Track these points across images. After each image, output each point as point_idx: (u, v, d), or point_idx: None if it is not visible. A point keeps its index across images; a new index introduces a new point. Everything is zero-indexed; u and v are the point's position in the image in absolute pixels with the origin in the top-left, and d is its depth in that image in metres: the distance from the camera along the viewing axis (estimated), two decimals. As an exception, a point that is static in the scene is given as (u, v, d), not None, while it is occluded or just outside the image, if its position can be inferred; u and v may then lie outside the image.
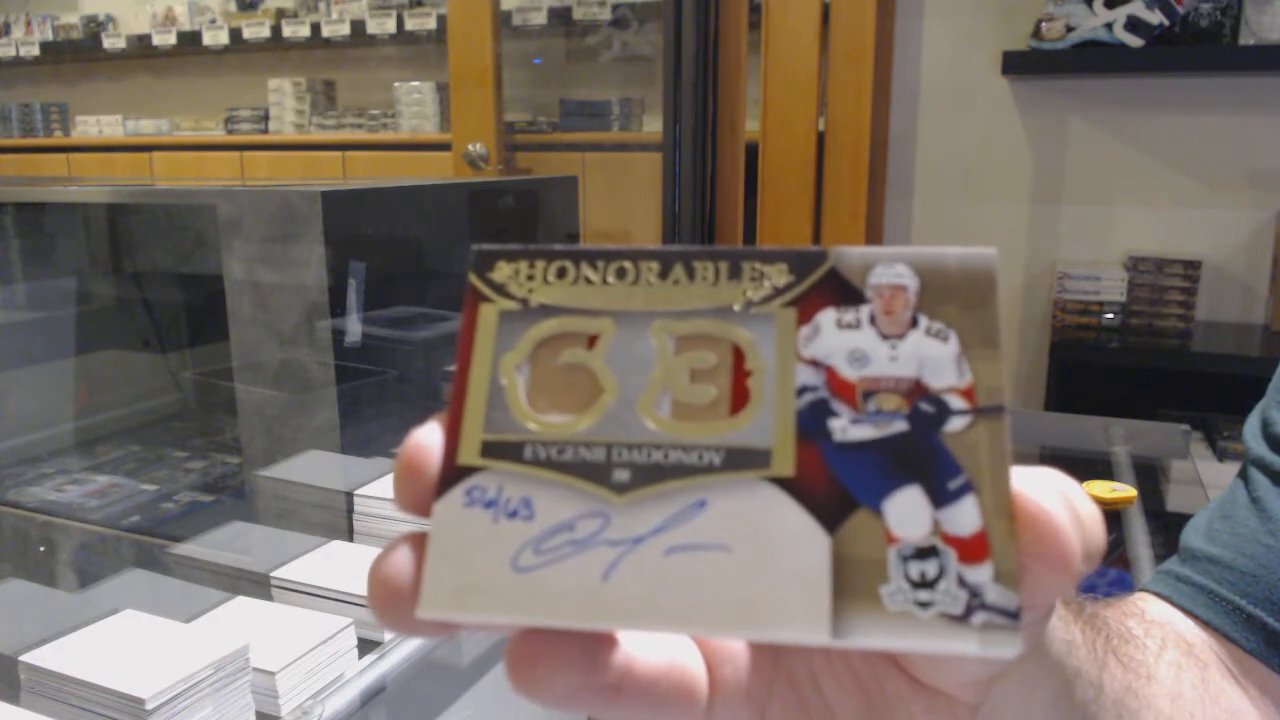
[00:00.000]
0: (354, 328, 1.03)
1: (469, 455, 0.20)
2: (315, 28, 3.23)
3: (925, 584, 0.18)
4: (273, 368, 1.03)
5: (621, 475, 0.20)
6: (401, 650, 0.76)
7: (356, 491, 0.90)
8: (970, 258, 0.20)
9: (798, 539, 0.19)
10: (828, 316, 0.20)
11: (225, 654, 0.63)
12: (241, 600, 0.75)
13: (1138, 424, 1.26)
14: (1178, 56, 1.94)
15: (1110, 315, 2.02)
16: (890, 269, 0.20)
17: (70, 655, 0.63)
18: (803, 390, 0.20)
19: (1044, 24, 1.97)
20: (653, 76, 2.70)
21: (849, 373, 0.20)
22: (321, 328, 1.00)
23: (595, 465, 0.20)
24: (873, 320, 0.20)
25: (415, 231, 1.18)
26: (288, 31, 3.27)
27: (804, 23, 2.06)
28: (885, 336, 0.20)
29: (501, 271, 0.22)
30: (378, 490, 0.90)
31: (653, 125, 2.67)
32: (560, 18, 2.85)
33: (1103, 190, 2.14)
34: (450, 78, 2.42)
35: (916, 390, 0.20)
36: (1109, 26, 1.92)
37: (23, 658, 0.63)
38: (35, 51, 3.75)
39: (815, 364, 0.20)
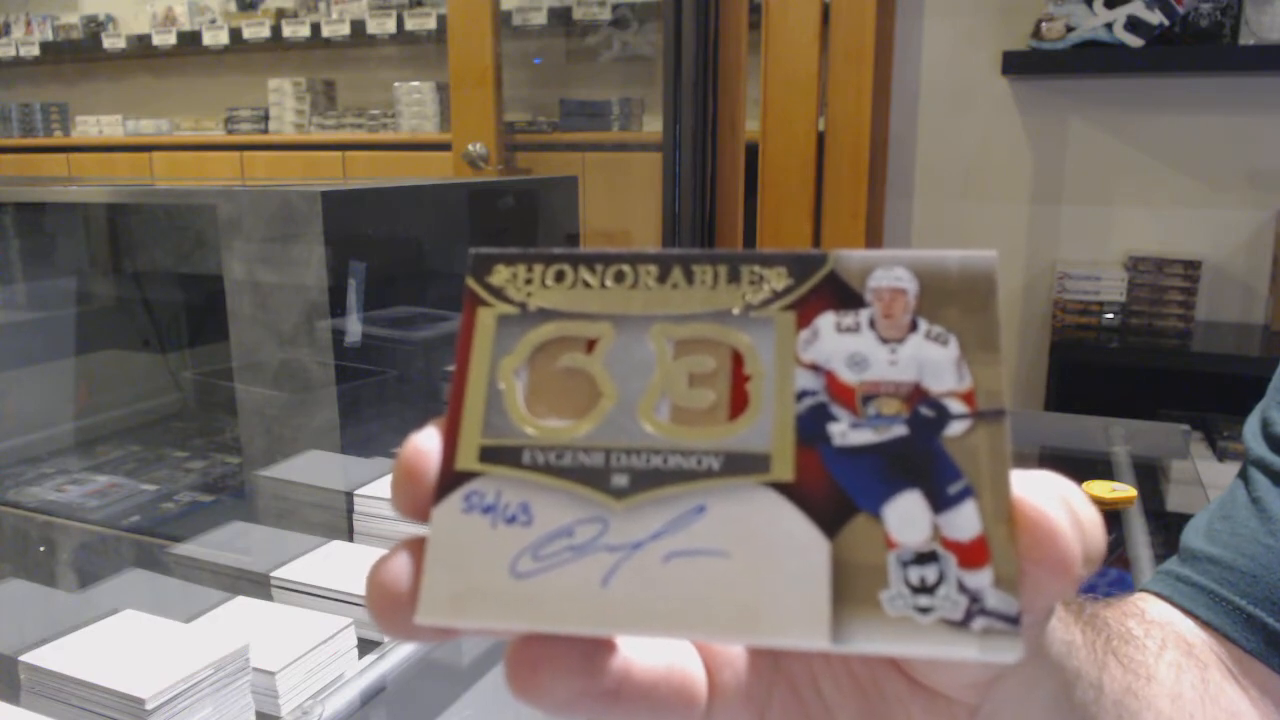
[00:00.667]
0: (354, 328, 1.03)
1: (467, 460, 0.20)
2: (315, 28, 3.23)
3: (925, 589, 0.18)
4: (273, 368, 1.03)
5: (620, 480, 0.20)
6: (401, 650, 0.76)
7: (356, 491, 0.90)
8: (970, 261, 0.20)
9: (797, 544, 0.19)
10: (827, 320, 0.20)
11: (225, 654, 0.63)
12: (241, 600, 0.75)
13: (1138, 424, 1.26)
14: (1178, 56, 1.94)
15: (1110, 315, 2.03)
16: (890, 272, 0.20)
17: (70, 655, 0.63)
18: (802, 394, 0.20)
19: (1044, 24, 1.97)
20: (653, 76, 2.70)
21: (848, 377, 0.20)
22: (321, 328, 1.00)
23: (594, 470, 0.20)
24: (872, 324, 0.20)
25: (415, 231, 1.18)
26: (288, 31, 3.27)
27: (804, 23, 2.06)
28: (885, 340, 0.20)
29: (499, 275, 0.22)
30: (378, 490, 0.90)
31: (653, 125, 2.67)
32: (560, 18, 2.85)
33: (1103, 190, 2.14)
34: (450, 78, 2.42)
35: (916, 394, 0.20)
36: (1109, 26, 1.92)
37: (23, 658, 0.63)
38: (35, 51, 3.75)
39: (815, 368, 0.20)
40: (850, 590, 0.18)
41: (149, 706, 0.58)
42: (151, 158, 3.44)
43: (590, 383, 0.21)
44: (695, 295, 0.21)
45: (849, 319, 0.20)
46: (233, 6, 3.45)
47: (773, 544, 0.19)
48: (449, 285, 1.22)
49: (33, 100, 3.78)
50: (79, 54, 3.71)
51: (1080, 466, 1.20)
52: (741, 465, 0.19)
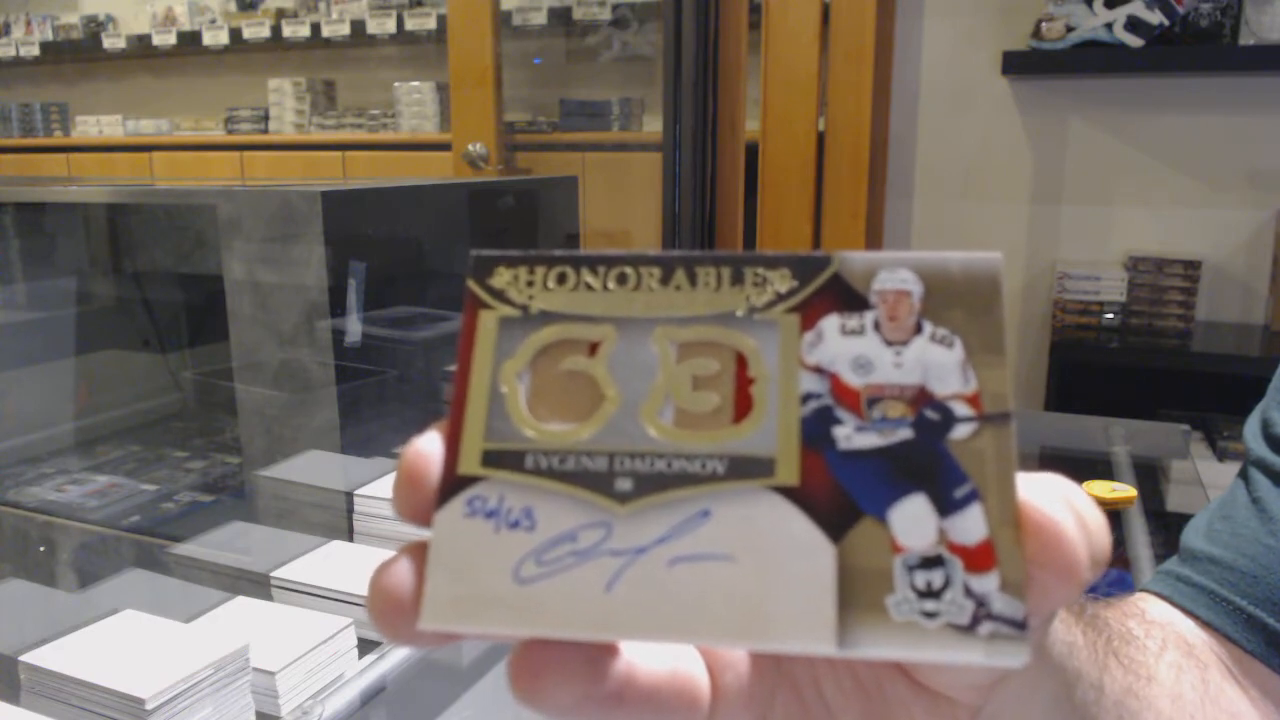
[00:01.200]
0: (354, 328, 1.03)
1: (470, 465, 0.20)
2: (315, 28, 3.23)
3: (931, 594, 0.18)
4: (273, 368, 1.03)
5: (624, 484, 0.20)
6: (401, 650, 0.76)
7: (356, 491, 0.90)
8: (975, 262, 0.20)
9: (802, 548, 0.19)
10: (831, 323, 0.20)
11: (225, 654, 0.63)
12: (241, 600, 0.75)
13: (1138, 424, 1.26)
14: (1178, 56, 1.93)
15: (1110, 315, 2.03)
16: (894, 274, 0.20)
17: (70, 655, 0.63)
18: (807, 398, 0.20)
19: (1044, 24, 1.97)
20: (653, 76, 2.70)
21: (853, 380, 0.20)
22: (321, 328, 1.00)
23: (597, 474, 0.20)
24: (877, 326, 0.20)
25: (415, 231, 1.18)
26: (288, 31, 3.27)
27: (804, 23, 2.06)
28: (889, 343, 0.20)
29: (501, 277, 0.21)
30: (378, 490, 0.90)
31: (653, 125, 2.67)
32: (560, 18, 2.85)
33: (1103, 190, 2.14)
34: (450, 78, 2.42)
35: (921, 397, 0.20)
36: (1109, 26, 1.92)
37: (23, 658, 0.63)
38: (35, 51, 3.75)
39: (819, 371, 0.20)
40: (856, 595, 0.18)
41: (149, 706, 0.58)
42: (151, 158, 3.44)
43: (593, 386, 0.21)
44: (698, 297, 0.21)
45: (853, 321, 0.20)
46: (233, 6, 3.45)
47: (778, 548, 0.19)
48: (449, 285, 1.22)
49: (33, 100, 3.78)
50: (79, 54, 3.71)
51: (1080, 466, 1.20)
52: (746, 469, 0.19)
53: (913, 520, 0.19)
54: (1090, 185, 2.15)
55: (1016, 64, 2.03)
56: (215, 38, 3.36)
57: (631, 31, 2.80)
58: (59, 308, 1.41)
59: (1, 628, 0.67)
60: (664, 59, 1.99)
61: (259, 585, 0.80)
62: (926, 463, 0.19)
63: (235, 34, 3.34)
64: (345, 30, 3.18)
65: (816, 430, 0.20)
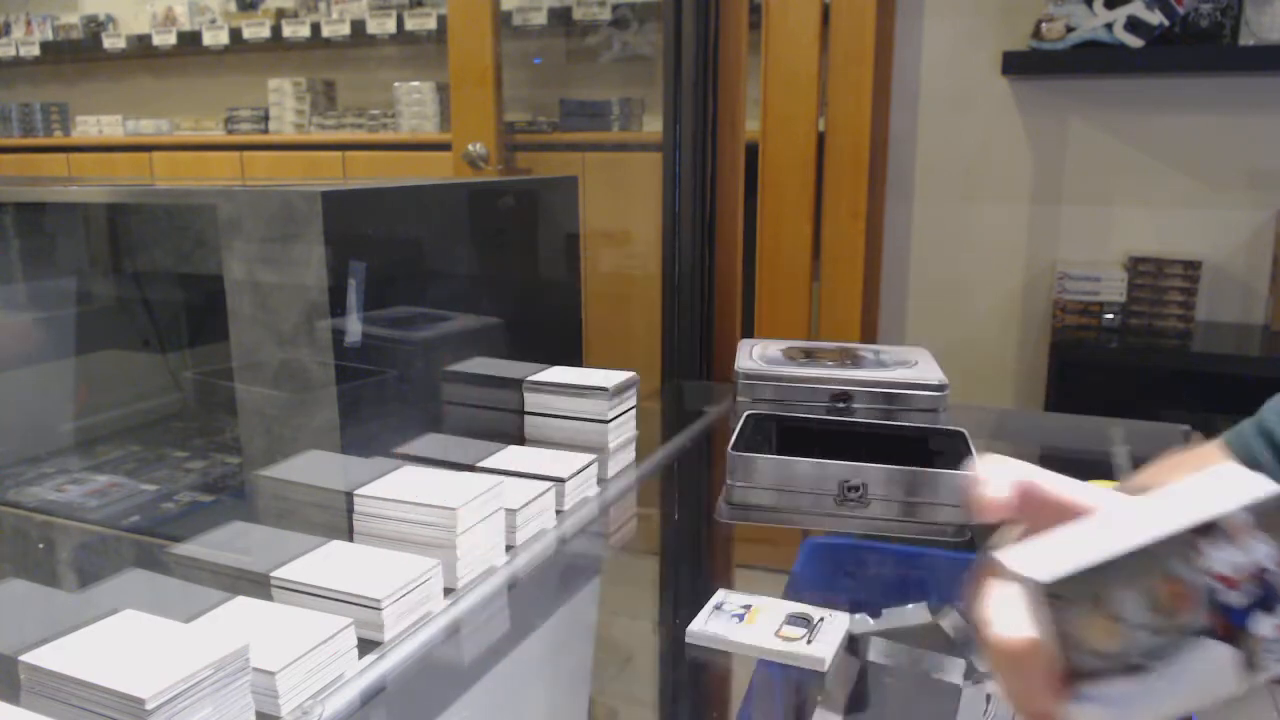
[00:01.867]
0: (354, 328, 1.03)
1: (1065, 682, 0.38)
2: (315, 28, 3.24)
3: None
4: (273, 368, 1.03)
5: (1143, 661, 0.38)
6: (401, 650, 0.76)
7: (356, 491, 0.90)
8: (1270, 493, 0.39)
9: (1221, 660, 0.38)
10: (1213, 546, 0.38)
11: (225, 654, 0.63)
12: (241, 600, 0.75)
13: (1138, 424, 1.26)
14: (1178, 56, 1.94)
15: (1110, 315, 2.03)
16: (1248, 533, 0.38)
17: (70, 655, 0.63)
18: (1210, 590, 0.38)
19: (1044, 24, 1.97)
20: (653, 76, 2.70)
21: (1228, 573, 0.38)
22: (321, 328, 0.99)
23: (1130, 662, 0.38)
24: (1239, 543, 0.38)
25: (415, 231, 1.18)
26: (288, 31, 3.27)
27: (804, 23, 2.06)
28: (1244, 551, 0.38)
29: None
30: (378, 490, 0.90)
31: (653, 125, 2.68)
32: (560, 18, 2.85)
33: (1103, 190, 2.14)
34: (450, 78, 2.42)
35: (1261, 572, 0.38)
36: (1109, 27, 1.92)
37: (23, 658, 0.63)
38: (35, 51, 3.75)
39: (1219, 577, 0.38)
40: (1251, 666, 0.38)
41: (149, 706, 0.58)
42: (151, 158, 3.44)
43: (1109, 618, 0.38)
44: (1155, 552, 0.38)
45: (1227, 540, 0.38)
46: (233, 6, 3.45)
47: (1211, 662, 0.38)
48: (449, 285, 1.22)
49: (33, 100, 3.78)
50: (79, 54, 3.72)
51: (1080, 466, 1.20)
52: (1193, 633, 0.38)
53: (1267, 625, 0.38)
54: (1090, 185, 2.15)
55: (1016, 64, 2.03)
56: (215, 38, 3.36)
57: (631, 31, 2.81)
58: (59, 308, 1.41)
59: (1, 628, 0.67)
60: (664, 59, 1.99)
61: (259, 585, 0.80)
62: (1267, 596, 0.38)
63: (235, 34, 3.34)
64: (345, 30, 3.18)
65: (1218, 602, 0.38)
